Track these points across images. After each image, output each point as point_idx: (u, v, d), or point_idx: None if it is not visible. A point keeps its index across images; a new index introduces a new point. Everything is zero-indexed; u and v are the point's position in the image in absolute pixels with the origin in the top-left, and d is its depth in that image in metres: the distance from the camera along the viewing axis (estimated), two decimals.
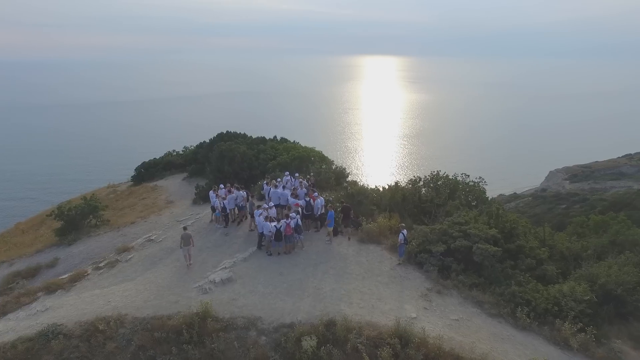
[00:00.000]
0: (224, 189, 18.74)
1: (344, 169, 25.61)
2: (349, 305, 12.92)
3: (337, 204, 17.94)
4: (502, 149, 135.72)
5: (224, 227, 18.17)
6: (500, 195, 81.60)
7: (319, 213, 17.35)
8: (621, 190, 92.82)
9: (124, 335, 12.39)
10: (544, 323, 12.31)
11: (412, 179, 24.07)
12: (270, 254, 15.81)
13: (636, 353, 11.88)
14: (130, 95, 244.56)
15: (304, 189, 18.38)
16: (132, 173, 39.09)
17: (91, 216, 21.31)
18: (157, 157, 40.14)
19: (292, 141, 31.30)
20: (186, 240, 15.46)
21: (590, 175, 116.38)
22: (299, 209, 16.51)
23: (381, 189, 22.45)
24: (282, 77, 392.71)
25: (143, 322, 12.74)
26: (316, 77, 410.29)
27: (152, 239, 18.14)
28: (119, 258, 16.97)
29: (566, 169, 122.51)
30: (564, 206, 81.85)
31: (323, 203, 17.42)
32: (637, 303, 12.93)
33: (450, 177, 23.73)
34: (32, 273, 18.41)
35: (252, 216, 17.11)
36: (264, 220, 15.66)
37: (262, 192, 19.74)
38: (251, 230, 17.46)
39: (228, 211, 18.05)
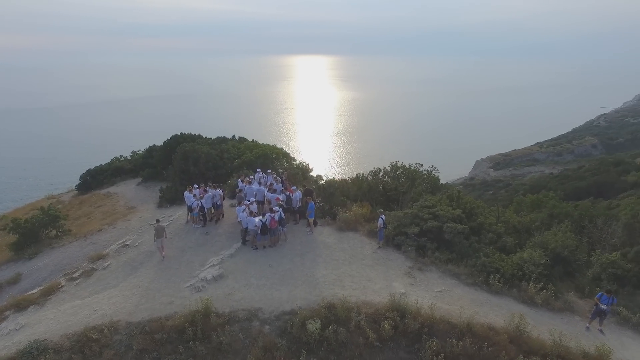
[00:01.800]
0: (198, 189, 18.39)
1: (307, 164, 26.19)
2: (342, 288, 13.55)
3: (301, 188, 18.50)
4: (433, 142, 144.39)
5: (202, 226, 17.86)
6: None
7: (297, 206, 17.76)
8: (536, 175, 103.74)
9: (121, 341, 11.92)
10: (512, 286, 13.92)
11: (372, 170, 25.31)
12: (256, 248, 15.93)
13: (583, 302, 13.92)
14: (37, 102, 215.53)
15: (279, 184, 18.67)
16: (68, 183, 36.33)
17: (50, 227, 19.59)
18: (104, 164, 37.55)
19: (250, 140, 31.11)
20: (159, 233, 15.77)
21: (510, 162, 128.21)
22: (281, 203, 16.78)
23: (348, 181, 23.35)
24: (213, 79, 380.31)
25: (139, 326, 12.32)
26: (249, 78, 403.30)
27: (127, 244, 17.28)
28: (94, 266, 15.99)
29: (490, 158, 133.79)
30: (491, 192, 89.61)
31: (300, 197, 17.85)
32: (579, 262, 15.08)
33: (407, 166, 25.30)
34: None
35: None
36: (248, 216, 15.75)
37: (236, 190, 19.63)
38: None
39: (206, 210, 17.77)
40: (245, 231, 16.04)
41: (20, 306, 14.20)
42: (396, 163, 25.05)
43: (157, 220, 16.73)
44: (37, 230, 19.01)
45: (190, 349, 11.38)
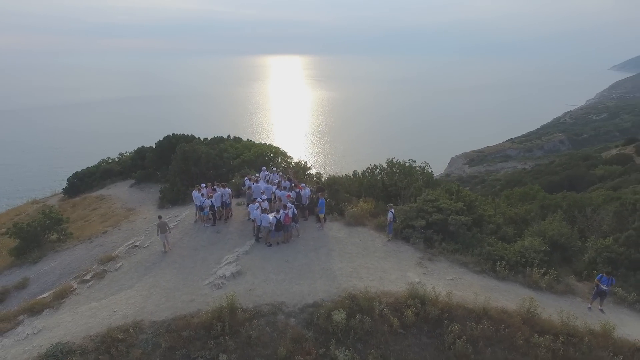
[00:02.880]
0: (205, 188, 18.35)
1: (306, 162, 26.44)
2: (360, 280, 13.92)
3: (311, 185, 18.84)
4: (408, 140, 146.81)
5: (212, 224, 17.84)
6: None
7: (306, 202, 18.02)
8: (509, 170, 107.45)
9: (147, 340, 11.86)
10: (517, 272, 14.68)
11: (369, 167, 25.88)
12: (270, 245, 16.09)
13: (582, 285, 14.84)
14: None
15: (287, 181, 18.88)
16: (42, 189, 35.17)
17: (52, 230, 19.00)
18: (91, 166, 36.45)
19: (245, 140, 31.05)
20: (162, 228, 16.25)
21: (484, 158, 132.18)
22: (292, 200, 17.00)
23: (351, 177, 23.77)
24: (187, 80, 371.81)
25: (164, 324, 12.30)
26: (223, 78, 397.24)
27: (137, 245, 17.06)
28: (105, 268, 15.74)
29: (464, 155, 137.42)
30: (467, 188, 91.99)
31: (309, 193, 18.12)
32: (575, 248, 16.05)
33: (402, 163, 25.96)
34: None
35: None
36: (261, 213, 15.90)
37: (242, 188, 19.70)
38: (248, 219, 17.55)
39: (216, 209, 17.77)
40: (259, 228, 16.16)
41: (34, 310, 13.85)
42: (392, 159, 25.66)
43: (160, 217, 17.09)
44: (39, 234, 18.42)
45: (220, 344, 11.47)
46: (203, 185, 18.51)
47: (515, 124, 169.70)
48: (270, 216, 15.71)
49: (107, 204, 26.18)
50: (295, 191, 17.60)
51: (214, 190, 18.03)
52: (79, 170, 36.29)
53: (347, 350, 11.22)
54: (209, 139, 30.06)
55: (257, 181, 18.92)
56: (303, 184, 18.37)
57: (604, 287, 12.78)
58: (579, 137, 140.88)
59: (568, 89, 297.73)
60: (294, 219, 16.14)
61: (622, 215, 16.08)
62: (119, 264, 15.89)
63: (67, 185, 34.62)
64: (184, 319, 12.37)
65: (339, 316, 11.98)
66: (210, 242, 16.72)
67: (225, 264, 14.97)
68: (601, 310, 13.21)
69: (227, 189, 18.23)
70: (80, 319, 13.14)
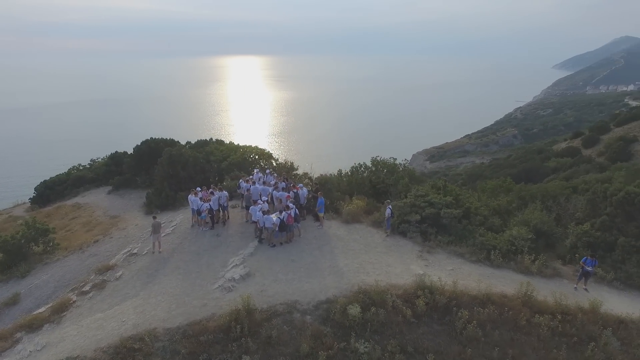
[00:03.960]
0: (202, 192, 18.07)
1: (292, 162, 26.53)
2: (367, 275, 14.33)
3: (308, 186, 19.11)
4: (370, 138, 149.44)
5: (211, 228, 17.61)
6: None
7: (304, 202, 18.20)
8: (469, 165, 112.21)
9: (165, 348, 11.65)
10: (509, 260, 15.67)
11: (354, 166, 26.48)
12: (274, 245, 16.14)
13: (566, 268, 16.09)
14: None
15: (283, 182, 18.96)
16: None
17: (38, 242, 17.86)
18: (61, 174, 34.44)
19: (227, 142, 30.61)
20: (156, 229, 16.32)
21: (444, 154, 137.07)
22: (292, 200, 17.11)
23: (340, 177, 24.15)
24: (141, 82, 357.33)
25: (179, 331, 12.11)
26: (180, 80, 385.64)
27: (134, 253, 16.51)
28: (105, 278, 15.15)
29: (425, 151, 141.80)
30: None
31: (307, 194, 18.31)
32: (556, 234, 17.34)
33: (385, 161, 26.74)
34: None
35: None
36: (264, 215, 15.92)
37: (238, 191, 19.54)
38: (247, 221, 17.49)
39: (214, 212, 17.55)
40: (261, 230, 16.17)
41: (32, 326, 13.14)
42: (376, 158, 26.37)
43: (154, 217, 17.02)
44: (23, 246, 17.29)
45: (241, 346, 11.47)
46: (199, 189, 18.21)
47: (471, 120, 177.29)
48: (274, 217, 15.76)
49: (87, 212, 24.97)
50: (293, 191, 17.73)
51: (212, 193, 17.79)
52: (47, 178, 34.24)
53: (366, 343, 11.58)
54: (193, 142, 29.33)
55: (253, 183, 18.85)
56: (300, 185, 18.53)
57: (589, 269, 13.98)
58: (530, 132, 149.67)
59: (517, 86, 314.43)
60: (296, 219, 16.29)
61: (594, 203, 17.55)
62: (119, 273, 15.35)
63: (35, 195, 32.56)
64: (200, 323, 12.23)
65: (355, 310, 12.31)
66: (211, 245, 16.51)
67: (232, 267, 14.88)
68: (585, 289, 14.41)
69: (224, 192, 18.05)
70: (87, 332, 12.65)
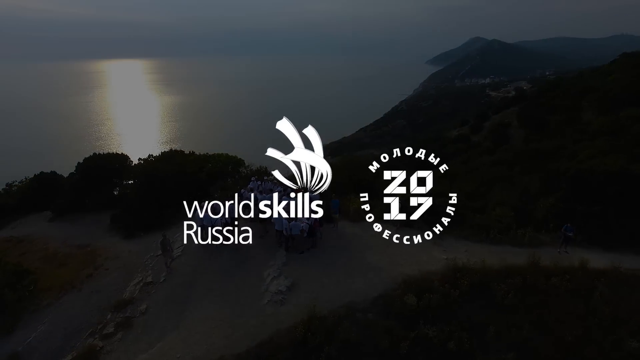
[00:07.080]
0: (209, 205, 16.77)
1: (266, 167, 25.84)
2: (402, 266, 15.11)
3: None
4: (274, 137, 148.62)
5: (231, 242, 16.46)
6: None
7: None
8: (371, 157, 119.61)
9: None
10: (504, 236, 17.89)
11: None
12: (302, 252, 15.91)
13: (546, 237, 18.86)
14: None
15: (279, 187, 18.64)
16: None
17: (8, 289, 14.42)
18: None
19: (187, 152, 28.33)
20: (167, 248, 15.71)
21: (344, 148, 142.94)
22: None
23: None
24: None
25: (250, 354, 11.47)
26: (53, 87, 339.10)
27: (150, 282, 14.69)
28: (127, 315, 13.27)
29: (326, 146, 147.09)
30: None
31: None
32: (532, 210, 20.21)
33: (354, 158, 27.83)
34: None
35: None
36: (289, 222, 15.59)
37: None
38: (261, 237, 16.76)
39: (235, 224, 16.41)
40: (287, 238, 15.78)
41: None
42: (346, 156, 27.25)
43: (164, 235, 15.88)
44: (4, 296, 13.89)
45: (322, 354, 11.33)
46: (206, 202, 16.86)
47: (365, 115, 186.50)
48: (302, 224, 15.53)
49: (36, 246, 20.98)
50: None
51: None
52: None
53: (433, 327, 12.36)
54: (156, 155, 26.46)
55: (252, 192, 18.15)
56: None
57: (570, 234, 16.77)
58: (417, 122, 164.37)
59: (398, 80, 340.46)
60: (321, 222, 16.28)
61: (546, 181, 20.95)
62: (143, 307, 13.60)
63: None
64: (270, 342, 11.70)
65: (411, 299, 13.01)
66: (237, 261, 15.57)
67: (271, 280, 14.34)
68: (566, 252, 17.25)
69: (233, 202, 17.04)
70: None
